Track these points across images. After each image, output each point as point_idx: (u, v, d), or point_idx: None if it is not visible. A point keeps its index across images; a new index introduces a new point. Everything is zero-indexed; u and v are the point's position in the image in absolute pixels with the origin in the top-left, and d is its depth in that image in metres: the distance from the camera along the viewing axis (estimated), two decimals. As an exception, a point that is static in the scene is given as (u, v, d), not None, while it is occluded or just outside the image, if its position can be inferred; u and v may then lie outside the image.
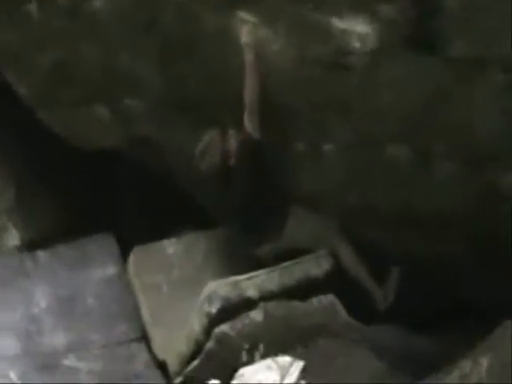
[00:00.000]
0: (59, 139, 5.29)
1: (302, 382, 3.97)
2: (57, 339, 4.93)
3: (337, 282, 4.34)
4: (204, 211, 4.93)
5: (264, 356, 4.15)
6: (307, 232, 4.57)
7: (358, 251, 4.52)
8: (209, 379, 4.24)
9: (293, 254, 4.48)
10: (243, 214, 4.48)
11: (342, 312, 4.31)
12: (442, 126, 3.95)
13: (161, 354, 4.79)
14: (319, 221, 4.57)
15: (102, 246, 5.21)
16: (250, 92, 4.23)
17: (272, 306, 4.26)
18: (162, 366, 4.77)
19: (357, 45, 3.91)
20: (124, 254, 5.14)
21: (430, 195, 4.16)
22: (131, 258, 5.05)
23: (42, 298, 5.13)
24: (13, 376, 4.74)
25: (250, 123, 4.31)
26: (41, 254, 5.26)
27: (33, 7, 4.88)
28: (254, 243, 4.50)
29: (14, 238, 5.62)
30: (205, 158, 4.40)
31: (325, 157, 4.30)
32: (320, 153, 4.30)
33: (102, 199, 5.57)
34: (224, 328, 4.24)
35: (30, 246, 5.53)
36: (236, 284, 4.28)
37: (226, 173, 4.38)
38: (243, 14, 4.17)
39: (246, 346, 4.21)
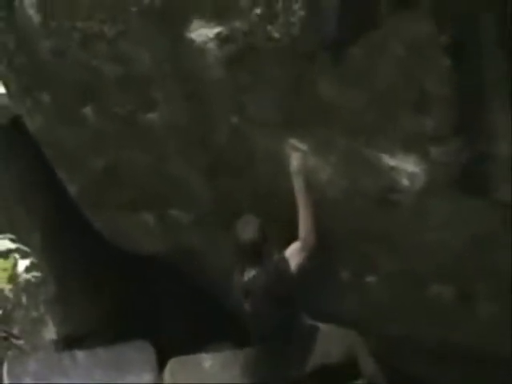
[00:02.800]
0: (104, 239, 5.49)
1: None
2: None
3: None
4: (243, 328, 5.02)
5: None
6: (334, 348, 4.60)
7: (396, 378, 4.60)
8: None
9: (323, 370, 4.54)
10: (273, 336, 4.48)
11: None
12: (488, 267, 4.05)
13: None
14: (343, 335, 4.62)
15: (140, 353, 5.34)
16: (304, 224, 4.30)
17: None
18: None
19: (406, 183, 4.06)
20: (160, 362, 5.27)
21: (472, 333, 4.23)
22: (168, 369, 5.15)
23: (77, 397, 5.28)
24: None
25: (301, 254, 4.35)
26: (79, 354, 5.41)
27: (88, 111, 5.11)
28: (283, 367, 4.57)
29: (50, 332, 5.79)
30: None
31: (367, 287, 4.42)
32: (363, 283, 4.43)
33: (142, 302, 5.72)
34: None
35: (66, 341, 5.71)
36: (273, 406, 4.37)
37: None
38: (294, 141, 4.34)
39: None
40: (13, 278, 4.31)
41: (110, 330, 5.63)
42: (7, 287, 3.05)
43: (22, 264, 4.82)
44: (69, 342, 5.66)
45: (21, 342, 5.85)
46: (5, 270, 2.96)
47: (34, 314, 5.86)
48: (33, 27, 5.07)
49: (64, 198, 5.53)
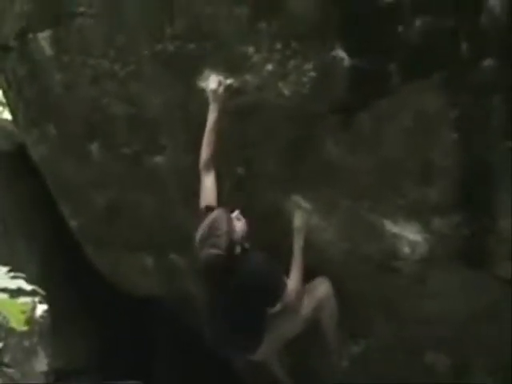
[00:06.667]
0: (103, 276, 5.56)
1: None
2: None
3: None
4: (235, 376, 5.10)
5: None
6: None
7: None
8: None
9: None
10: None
11: None
12: (485, 340, 4.12)
13: None
14: None
15: (131, 394, 5.42)
16: (293, 282, 4.21)
17: None
18: None
19: (407, 251, 4.13)
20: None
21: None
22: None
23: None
24: None
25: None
26: (70, 389, 5.50)
27: (94, 147, 5.19)
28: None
29: (41, 364, 5.85)
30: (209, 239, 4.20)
31: (364, 352, 4.50)
32: (358, 346, 4.51)
33: (135, 343, 5.79)
34: None
35: (56, 374, 5.77)
36: None
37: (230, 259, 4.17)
38: (298, 199, 4.42)
39: None
40: (30, 321, 4.28)
41: (100, 369, 5.69)
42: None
43: (40, 308, 4.85)
44: (59, 376, 5.72)
45: (11, 370, 5.92)
46: (23, 312, 2.95)
47: (26, 343, 5.95)
48: (45, 59, 5.18)
49: (65, 231, 5.62)
